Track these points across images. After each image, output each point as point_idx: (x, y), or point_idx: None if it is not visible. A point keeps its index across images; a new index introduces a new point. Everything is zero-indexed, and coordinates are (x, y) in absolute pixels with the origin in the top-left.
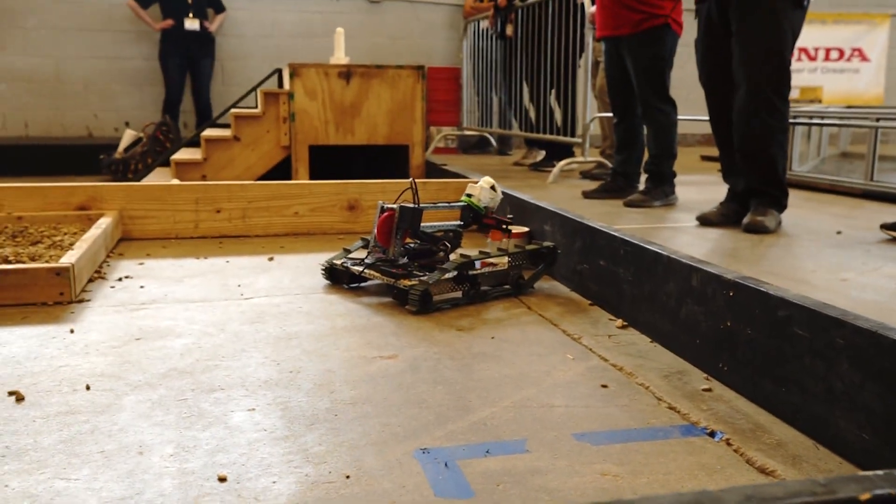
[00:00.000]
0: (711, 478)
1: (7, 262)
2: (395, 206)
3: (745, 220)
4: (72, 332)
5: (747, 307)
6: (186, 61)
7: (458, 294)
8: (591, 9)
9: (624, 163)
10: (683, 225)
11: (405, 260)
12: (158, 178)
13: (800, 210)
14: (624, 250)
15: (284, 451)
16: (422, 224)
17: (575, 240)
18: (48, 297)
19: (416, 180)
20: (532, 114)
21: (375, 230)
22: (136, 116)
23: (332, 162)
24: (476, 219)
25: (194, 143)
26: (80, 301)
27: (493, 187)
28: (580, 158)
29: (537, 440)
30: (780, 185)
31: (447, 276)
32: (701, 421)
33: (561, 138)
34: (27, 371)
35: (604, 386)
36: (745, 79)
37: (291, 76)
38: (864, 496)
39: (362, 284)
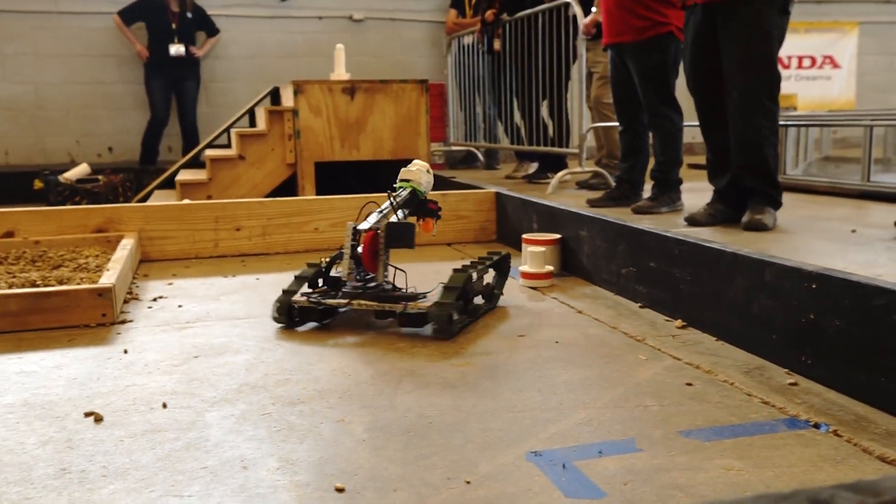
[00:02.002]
0: (837, 468)
1: (35, 286)
2: (369, 225)
3: (745, 218)
4: (126, 352)
5: (835, 299)
6: (171, 84)
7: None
8: (584, 20)
9: (629, 170)
10: (698, 230)
11: (390, 283)
12: (160, 200)
13: (806, 211)
14: (679, 250)
15: (392, 460)
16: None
17: (618, 243)
18: (90, 318)
19: (434, 192)
20: (523, 127)
21: (360, 252)
22: (119, 141)
23: (337, 178)
24: (420, 206)
25: (194, 163)
26: (123, 322)
27: (427, 170)
28: (577, 169)
29: (646, 439)
30: (774, 183)
31: (454, 295)
32: (801, 414)
33: (556, 150)
34: (94, 392)
35: (688, 384)
36: (735, 83)
37: (295, 93)
38: None
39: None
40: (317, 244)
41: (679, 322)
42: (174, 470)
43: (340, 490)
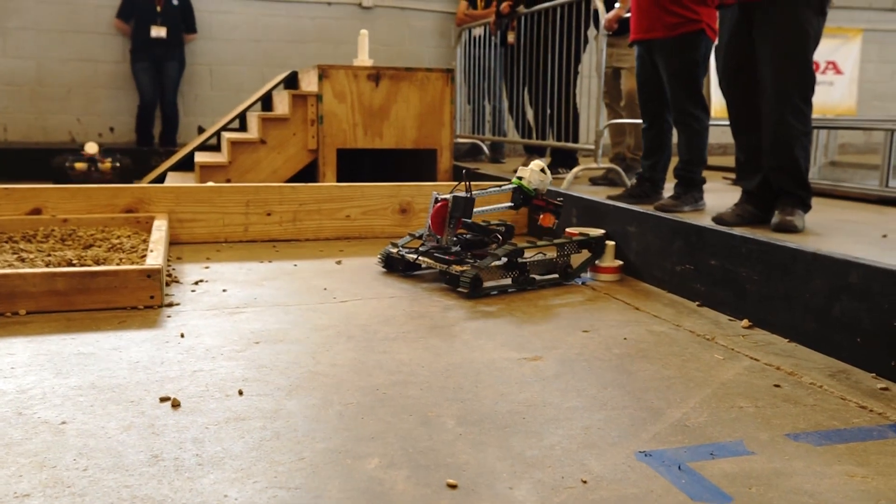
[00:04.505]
0: None
1: (72, 265)
2: (448, 196)
3: (774, 219)
4: (182, 336)
5: None
6: (154, 65)
7: (508, 280)
8: (607, 15)
9: (651, 168)
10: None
11: (458, 248)
12: (176, 181)
13: (829, 215)
14: (746, 249)
15: (497, 456)
16: (476, 219)
17: (673, 240)
18: (138, 300)
19: (472, 182)
20: (535, 122)
21: (430, 219)
22: (121, 122)
23: (357, 166)
24: (526, 201)
25: (209, 147)
26: (170, 305)
27: (542, 170)
28: (594, 164)
29: (754, 441)
30: (805, 185)
31: (497, 262)
32: None
33: (570, 145)
34: (162, 376)
35: (776, 386)
36: (769, 83)
37: (320, 78)
38: None
39: (415, 272)
40: (348, 231)
41: (745, 322)
42: (271, 460)
43: (453, 486)
